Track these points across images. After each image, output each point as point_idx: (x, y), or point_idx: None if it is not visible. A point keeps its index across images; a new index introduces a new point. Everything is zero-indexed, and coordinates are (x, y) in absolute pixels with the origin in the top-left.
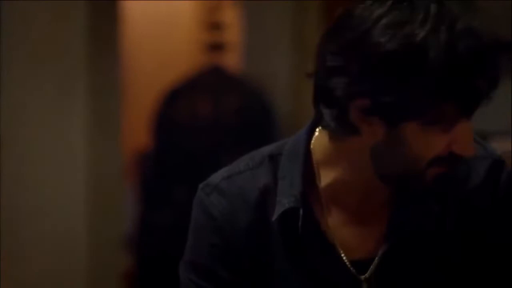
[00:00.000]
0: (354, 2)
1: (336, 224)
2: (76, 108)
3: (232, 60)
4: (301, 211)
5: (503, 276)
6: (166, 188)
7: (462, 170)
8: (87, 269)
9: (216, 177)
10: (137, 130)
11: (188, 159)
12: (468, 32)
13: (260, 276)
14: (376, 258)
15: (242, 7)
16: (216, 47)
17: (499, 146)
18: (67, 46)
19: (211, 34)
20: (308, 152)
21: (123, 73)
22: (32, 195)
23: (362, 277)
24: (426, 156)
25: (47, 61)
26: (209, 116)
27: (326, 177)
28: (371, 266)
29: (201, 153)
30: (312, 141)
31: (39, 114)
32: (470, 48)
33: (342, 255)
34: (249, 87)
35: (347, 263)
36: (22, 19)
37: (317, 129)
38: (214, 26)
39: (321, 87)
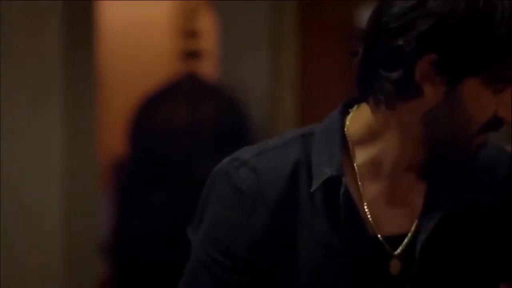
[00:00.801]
0: (330, 7)
1: (369, 200)
2: (53, 114)
3: (208, 67)
4: (344, 179)
5: None
6: (142, 194)
7: (484, 156)
8: (63, 275)
9: (245, 153)
10: (113, 136)
11: (164, 166)
12: None
13: (284, 254)
14: (409, 234)
15: (217, 15)
16: (192, 55)
17: None
18: (43, 53)
19: (187, 42)
20: (342, 131)
21: (99, 80)
22: (8, 200)
23: (395, 252)
24: (480, 119)
25: (22, 68)
26: (185, 123)
27: (362, 155)
28: (404, 242)
29: (176, 160)
30: (347, 123)
31: (15, 120)
32: None
33: (375, 230)
34: (225, 94)
35: (380, 238)
36: None
37: (351, 111)
38: (190, 33)
39: (385, 50)
